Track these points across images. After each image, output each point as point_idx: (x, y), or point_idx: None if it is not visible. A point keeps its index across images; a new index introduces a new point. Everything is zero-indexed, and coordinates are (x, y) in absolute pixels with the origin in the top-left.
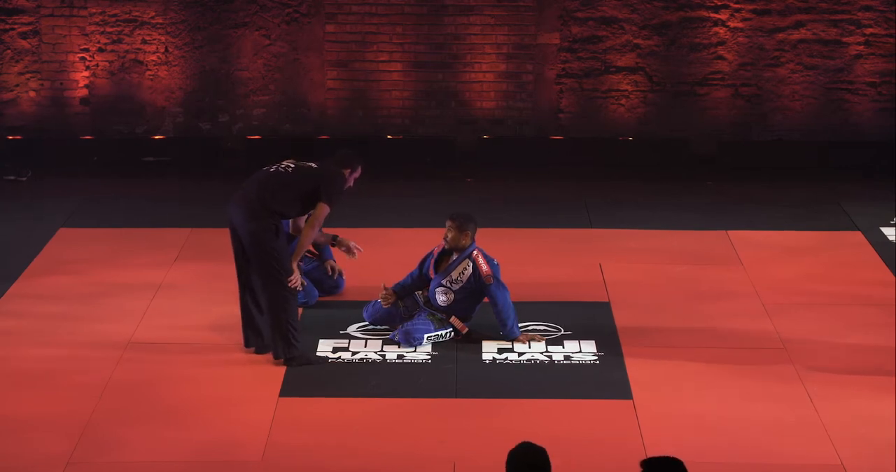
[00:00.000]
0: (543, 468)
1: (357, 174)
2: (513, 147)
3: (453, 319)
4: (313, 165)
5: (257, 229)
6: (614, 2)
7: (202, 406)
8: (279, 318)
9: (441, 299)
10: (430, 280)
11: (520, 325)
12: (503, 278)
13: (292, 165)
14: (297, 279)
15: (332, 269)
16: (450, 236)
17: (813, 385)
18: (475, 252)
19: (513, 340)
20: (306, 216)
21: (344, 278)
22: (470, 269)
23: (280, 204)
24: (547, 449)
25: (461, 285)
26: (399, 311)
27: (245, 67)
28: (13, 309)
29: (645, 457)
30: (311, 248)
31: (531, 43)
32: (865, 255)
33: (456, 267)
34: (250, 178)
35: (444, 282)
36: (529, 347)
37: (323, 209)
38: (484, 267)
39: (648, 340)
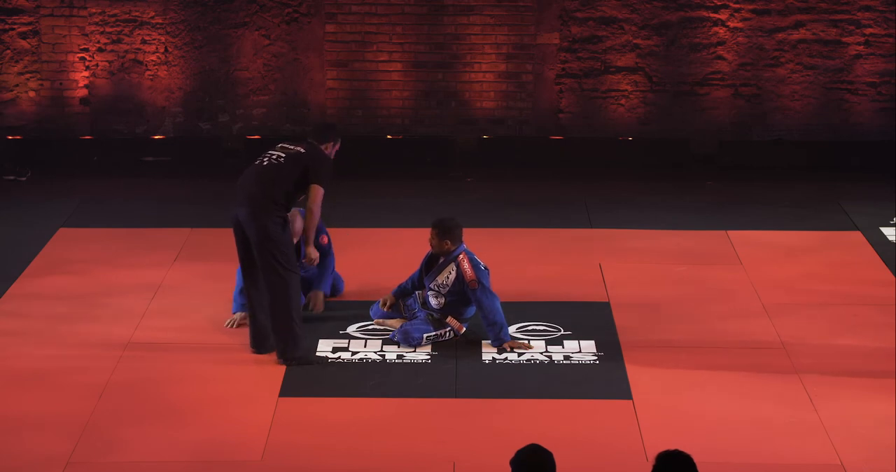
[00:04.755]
0: (549, 471)
1: (337, 147)
2: (513, 147)
3: (450, 319)
4: (301, 149)
5: (265, 224)
6: (614, 2)
7: (202, 406)
8: (282, 317)
9: (433, 302)
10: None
11: (521, 324)
12: (499, 280)
13: (283, 155)
14: (314, 256)
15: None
16: (432, 242)
17: (813, 385)
18: (461, 256)
19: (499, 347)
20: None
21: (343, 281)
22: (454, 273)
23: (283, 195)
24: (547, 449)
25: (448, 288)
26: (402, 311)
27: (245, 67)
28: (13, 309)
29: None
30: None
31: (531, 43)
32: (865, 255)
33: (441, 271)
34: (245, 174)
35: (432, 286)
36: (518, 356)
37: (317, 191)
38: (468, 272)
39: (648, 340)
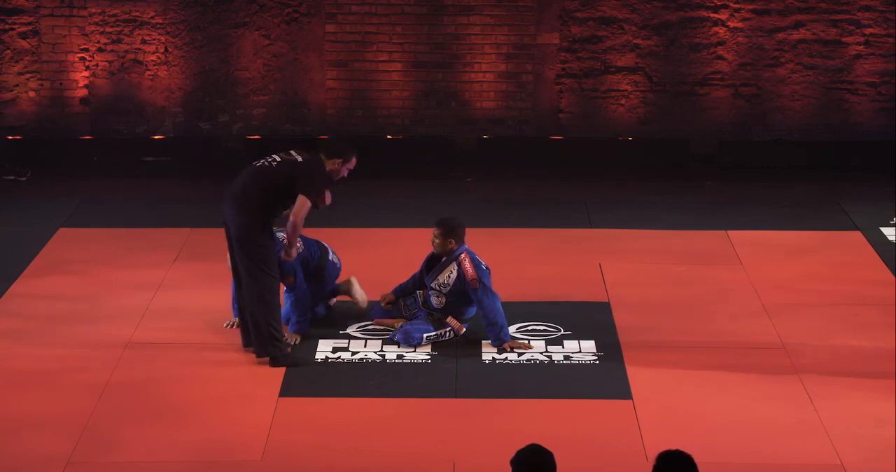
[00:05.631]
0: (550, 471)
1: (351, 165)
2: (513, 147)
3: (450, 319)
4: (299, 158)
5: (245, 223)
6: (614, 2)
7: (202, 406)
8: (259, 316)
9: (434, 301)
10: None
11: (521, 324)
12: (499, 280)
13: (278, 159)
14: (293, 255)
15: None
16: (436, 242)
17: (813, 385)
18: (462, 255)
19: (499, 347)
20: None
21: (324, 306)
22: (455, 272)
23: (266, 199)
24: (547, 449)
25: (449, 288)
26: (402, 311)
27: (245, 67)
28: (13, 309)
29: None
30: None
31: (531, 43)
32: (865, 255)
33: (442, 271)
34: (240, 174)
35: (433, 285)
36: (518, 356)
37: (302, 202)
38: (469, 271)
39: (648, 340)
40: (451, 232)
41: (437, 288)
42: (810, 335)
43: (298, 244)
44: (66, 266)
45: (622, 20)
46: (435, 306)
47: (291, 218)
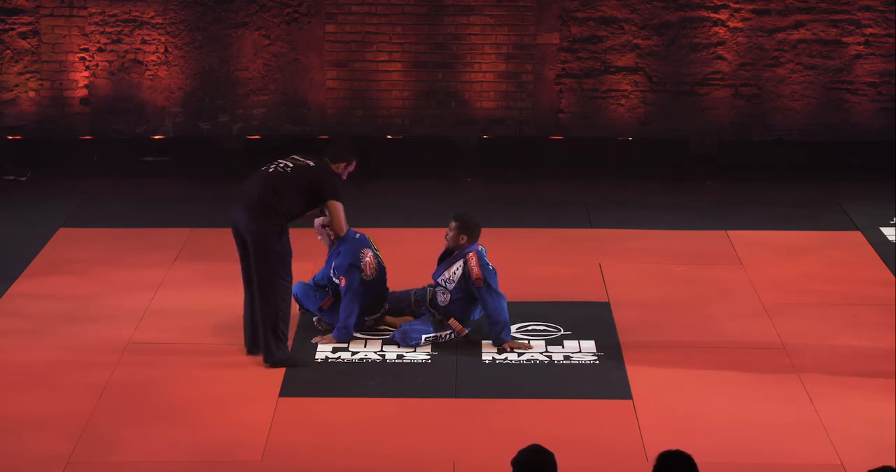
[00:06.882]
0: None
1: (351, 168)
2: (513, 147)
3: (451, 321)
4: (311, 163)
5: (262, 231)
6: (614, 2)
7: (202, 406)
8: (270, 321)
9: (440, 298)
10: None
11: (521, 324)
12: (500, 279)
13: (290, 165)
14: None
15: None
16: (449, 235)
17: (813, 385)
18: (471, 254)
19: (499, 346)
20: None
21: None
22: (460, 270)
23: (284, 205)
24: (548, 449)
25: (454, 284)
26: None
27: (245, 67)
28: (13, 309)
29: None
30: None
31: (531, 43)
32: (865, 255)
33: (449, 266)
34: (249, 179)
35: (439, 280)
36: (518, 356)
37: (336, 207)
38: (475, 269)
39: (648, 340)
40: (466, 228)
41: (443, 284)
42: (810, 335)
43: (371, 272)
44: (66, 266)
45: (622, 20)
46: (440, 303)
47: (336, 231)
